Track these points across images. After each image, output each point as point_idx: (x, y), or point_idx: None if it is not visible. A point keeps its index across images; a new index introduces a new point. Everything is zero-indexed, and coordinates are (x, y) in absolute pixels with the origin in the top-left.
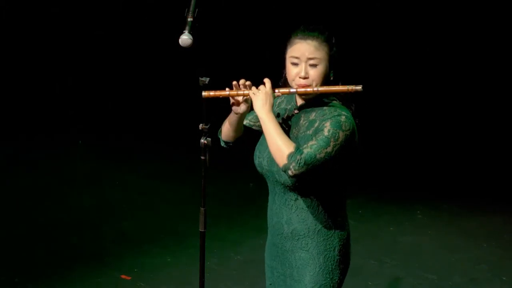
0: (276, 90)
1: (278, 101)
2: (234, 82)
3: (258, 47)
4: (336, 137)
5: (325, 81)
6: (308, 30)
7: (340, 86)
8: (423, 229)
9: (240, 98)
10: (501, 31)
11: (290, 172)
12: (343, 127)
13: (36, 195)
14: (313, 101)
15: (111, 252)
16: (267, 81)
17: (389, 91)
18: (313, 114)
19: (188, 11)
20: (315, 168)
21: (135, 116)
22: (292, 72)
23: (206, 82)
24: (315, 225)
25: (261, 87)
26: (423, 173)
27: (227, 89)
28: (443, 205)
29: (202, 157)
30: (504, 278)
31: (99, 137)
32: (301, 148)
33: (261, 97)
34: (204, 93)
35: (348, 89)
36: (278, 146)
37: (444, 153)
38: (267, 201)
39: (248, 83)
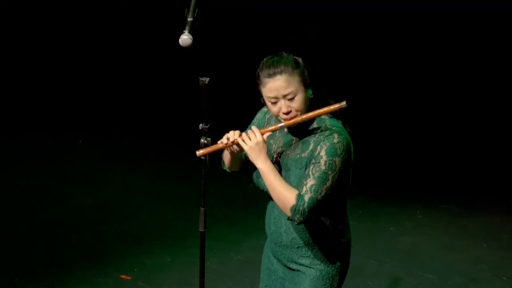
0: (266, 133)
1: (267, 117)
2: (224, 139)
3: (258, 47)
4: (333, 168)
5: (309, 104)
6: (273, 65)
7: (325, 108)
8: (423, 229)
9: (234, 147)
10: (500, 32)
11: (296, 223)
12: (338, 151)
13: (36, 194)
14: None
15: (111, 252)
16: (255, 129)
17: (389, 91)
18: (304, 133)
19: (188, 11)
20: (319, 207)
21: (135, 116)
22: (274, 110)
23: (206, 82)
24: (316, 234)
25: (252, 136)
26: (423, 173)
27: (219, 142)
28: (443, 205)
29: (202, 157)
30: (504, 278)
31: (99, 136)
32: (301, 193)
33: (254, 148)
34: (199, 152)
35: (333, 108)
36: (280, 198)
37: (444, 153)
38: (267, 201)
39: (237, 132)
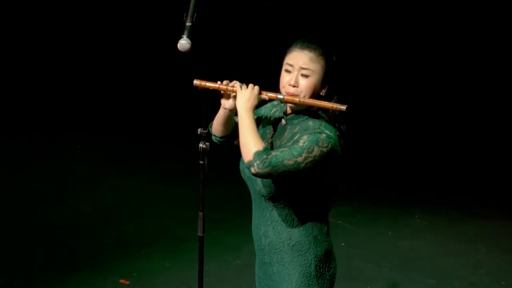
0: (264, 94)
1: (273, 110)
2: (225, 81)
3: (257, 50)
4: (310, 150)
5: (315, 94)
6: (309, 41)
7: (326, 102)
8: (421, 234)
9: (229, 93)
10: (499, 32)
11: (252, 169)
12: (320, 143)
13: (34, 198)
14: (301, 114)
15: (109, 256)
16: (257, 86)
17: (387, 96)
18: (298, 127)
19: (187, 15)
20: (279, 173)
21: (134, 119)
22: (284, 79)
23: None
24: (290, 239)
25: (250, 85)
26: (421, 177)
27: (218, 82)
28: (441, 210)
29: (201, 162)
30: (503, 283)
31: (98, 139)
32: (271, 150)
33: (245, 94)
34: (196, 82)
35: (332, 106)
36: (248, 142)
37: (442, 158)
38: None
39: (238, 83)
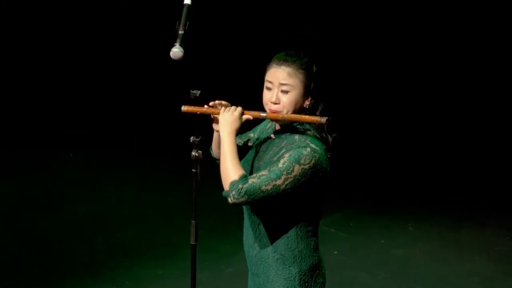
0: (247, 114)
1: (268, 125)
2: (212, 102)
3: (252, 59)
4: (289, 171)
5: (299, 107)
6: (286, 55)
7: (306, 116)
8: (414, 242)
9: (217, 117)
10: (497, 34)
11: (229, 200)
12: (302, 161)
13: (27, 206)
14: (288, 128)
15: (103, 264)
16: (239, 108)
17: (379, 105)
18: (285, 141)
19: (179, 23)
20: (258, 200)
21: (127, 127)
22: (266, 96)
23: (197, 95)
24: (275, 252)
25: (232, 107)
26: (415, 185)
27: (205, 106)
28: (434, 218)
29: (194, 170)
30: None
31: (91, 148)
32: (249, 177)
33: (226, 118)
34: (184, 108)
35: (312, 120)
36: (226, 170)
37: (435, 166)
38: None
39: (224, 103)
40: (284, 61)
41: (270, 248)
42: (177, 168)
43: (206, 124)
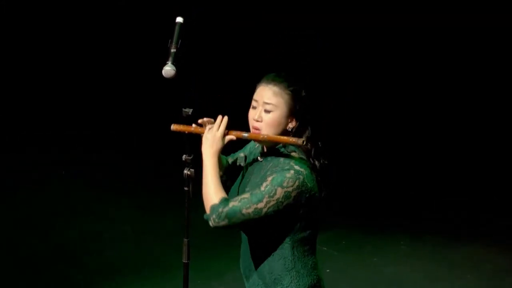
0: (230, 134)
1: (256, 145)
2: (200, 120)
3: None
4: (271, 194)
5: (282, 128)
6: (276, 75)
7: (285, 137)
8: (406, 260)
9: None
10: (496, 35)
11: (210, 223)
12: (284, 184)
13: (18, 225)
14: (273, 151)
15: (94, 283)
16: (223, 123)
17: (369, 120)
18: (270, 164)
19: (171, 41)
20: (239, 224)
21: (117, 147)
22: (250, 114)
23: (190, 113)
24: (271, 273)
25: (215, 127)
26: (406, 203)
27: (193, 125)
28: (426, 236)
29: (186, 188)
30: None
31: (82, 166)
32: (229, 200)
33: (208, 139)
34: (173, 127)
35: (289, 141)
36: (207, 194)
37: (427, 184)
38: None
39: (210, 120)
40: (272, 80)
41: (266, 270)
42: (169, 186)
43: (197, 143)
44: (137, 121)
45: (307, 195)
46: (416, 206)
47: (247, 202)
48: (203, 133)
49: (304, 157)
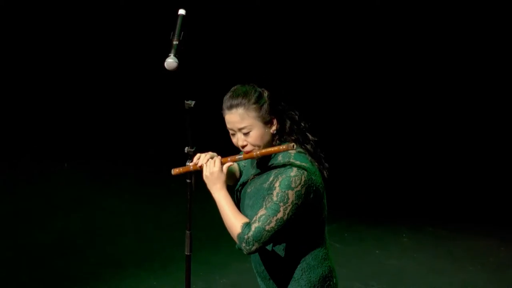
0: (225, 165)
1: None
2: (195, 158)
3: (245, 70)
4: (285, 200)
5: (268, 137)
6: (231, 97)
7: (275, 148)
8: (408, 253)
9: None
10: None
11: (245, 252)
12: (293, 185)
13: (20, 219)
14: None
15: (96, 276)
16: (217, 159)
17: (371, 115)
18: (270, 164)
19: (174, 34)
20: (268, 239)
21: (120, 140)
22: (233, 141)
23: (192, 105)
24: (282, 267)
25: (210, 163)
26: (408, 196)
27: (190, 165)
28: (428, 228)
29: (188, 180)
30: None
31: (84, 159)
32: (250, 222)
33: (209, 177)
34: (173, 171)
35: (281, 150)
36: (230, 226)
37: (429, 176)
38: None
39: (208, 154)
40: (231, 105)
41: (278, 263)
42: (171, 179)
43: (199, 135)
44: (139, 113)
45: (314, 188)
46: (418, 199)
47: (266, 218)
48: (201, 168)
49: (299, 149)
